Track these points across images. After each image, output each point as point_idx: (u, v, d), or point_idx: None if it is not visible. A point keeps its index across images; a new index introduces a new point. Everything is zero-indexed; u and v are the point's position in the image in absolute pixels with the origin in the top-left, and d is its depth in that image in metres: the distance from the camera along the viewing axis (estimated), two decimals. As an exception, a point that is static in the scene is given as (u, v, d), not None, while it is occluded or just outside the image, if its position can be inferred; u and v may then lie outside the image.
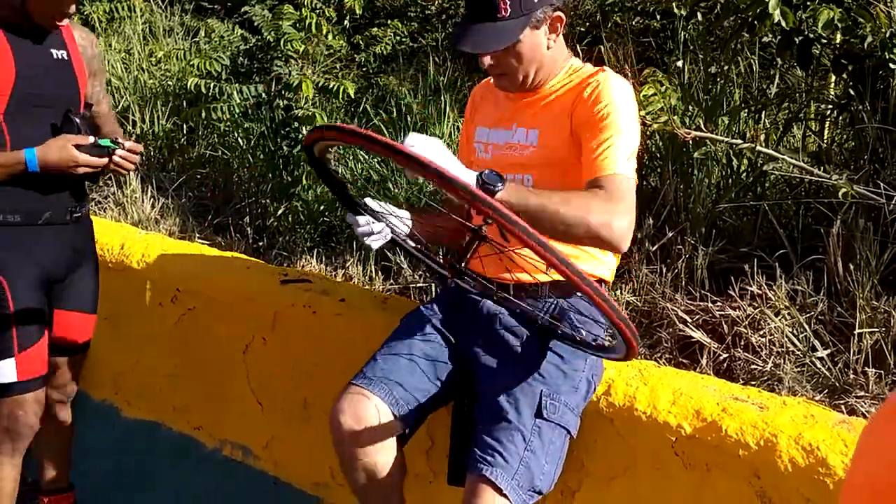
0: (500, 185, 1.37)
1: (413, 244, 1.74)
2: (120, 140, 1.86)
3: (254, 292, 2.25)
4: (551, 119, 1.62)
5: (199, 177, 4.01)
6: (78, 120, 1.82)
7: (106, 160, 1.82)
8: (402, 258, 2.81)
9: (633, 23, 4.71)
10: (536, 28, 1.57)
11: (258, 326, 2.21)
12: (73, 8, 1.80)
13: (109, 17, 5.46)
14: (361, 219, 1.63)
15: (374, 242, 1.66)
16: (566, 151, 1.58)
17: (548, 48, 1.60)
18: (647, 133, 2.85)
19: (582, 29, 4.92)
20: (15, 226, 1.81)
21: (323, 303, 2.10)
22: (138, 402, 2.55)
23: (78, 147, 1.77)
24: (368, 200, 1.67)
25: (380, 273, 2.84)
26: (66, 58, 1.87)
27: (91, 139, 1.80)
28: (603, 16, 4.90)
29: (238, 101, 3.98)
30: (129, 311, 2.52)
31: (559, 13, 1.59)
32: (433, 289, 2.59)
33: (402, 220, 1.72)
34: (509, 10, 1.52)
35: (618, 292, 2.20)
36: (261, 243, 3.46)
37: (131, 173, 2.49)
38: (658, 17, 4.75)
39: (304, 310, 2.12)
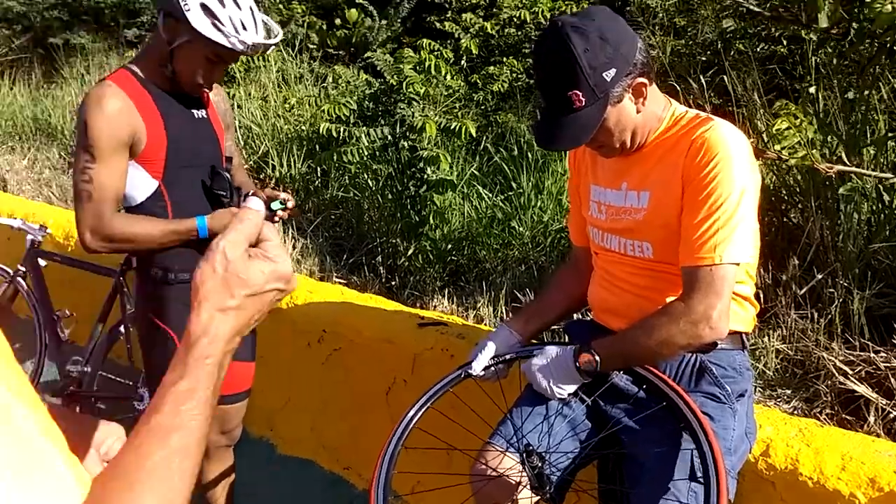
0: (595, 359, 1.52)
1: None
2: (284, 197, 1.99)
3: (394, 335, 2.34)
4: (661, 180, 1.55)
5: (333, 217, 4.22)
6: (227, 175, 1.95)
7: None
8: (533, 299, 2.85)
9: (758, 49, 4.59)
10: (619, 102, 1.51)
11: (399, 368, 2.30)
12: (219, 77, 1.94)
13: (246, 66, 5.86)
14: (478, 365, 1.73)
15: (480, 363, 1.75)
16: (680, 211, 1.52)
17: (638, 112, 1.55)
18: (785, 168, 2.77)
19: (703, 59, 4.84)
20: (183, 283, 1.94)
21: (459, 347, 2.17)
22: (291, 440, 2.69)
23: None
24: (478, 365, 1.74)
25: (510, 314, 2.89)
26: (205, 116, 1.99)
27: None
28: (724, 44, 4.80)
29: (366, 143, 4.17)
30: (280, 351, 2.67)
31: (640, 79, 1.51)
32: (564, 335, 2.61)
33: (509, 343, 1.79)
34: (584, 100, 1.48)
35: (766, 339, 2.12)
36: (393, 282, 3.59)
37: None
38: (784, 42, 4.61)
39: (442, 353, 2.19)
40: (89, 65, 7.02)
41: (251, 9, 1.82)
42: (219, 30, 1.75)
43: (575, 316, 2.14)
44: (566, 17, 1.52)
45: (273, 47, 1.91)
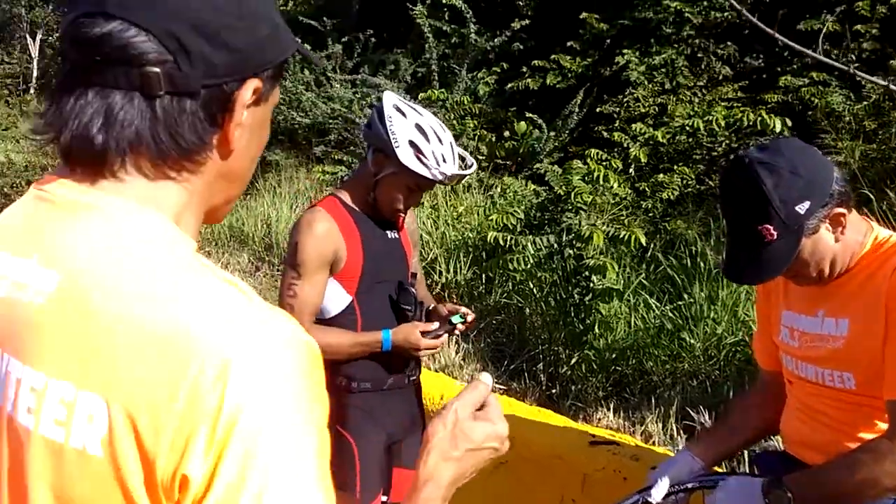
0: (788, 496, 1.40)
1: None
2: (464, 311, 2.06)
3: (564, 451, 2.27)
4: (862, 307, 1.47)
5: (494, 323, 4.26)
6: (413, 290, 2.07)
7: (445, 339, 2.03)
8: (708, 419, 2.66)
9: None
10: (814, 233, 1.45)
11: (568, 486, 2.21)
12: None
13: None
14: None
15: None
16: (883, 341, 1.41)
17: (836, 241, 1.46)
18: None
19: (898, 163, 4.49)
20: (365, 392, 2.04)
21: (633, 469, 2.06)
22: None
23: (423, 333, 1.98)
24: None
25: (682, 433, 2.71)
26: (396, 236, 2.13)
27: (435, 325, 2.01)
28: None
29: (532, 251, 4.22)
30: (446, 459, 2.66)
31: (838, 209, 1.44)
32: (746, 458, 2.40)
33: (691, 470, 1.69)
34: (775, 234, 1.42)
35: None
36: (554, 391, 3.52)
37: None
38: None
39: (615, 475, 2.09)
40: (281, 179, 7.80)
41: (451, 143, 1.97)
42: (423, 163, 1.91)
43: (759, 442, 1.98)
44: (752, 151, 1.50)
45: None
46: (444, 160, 1.92)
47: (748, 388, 1.86)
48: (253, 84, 0.70)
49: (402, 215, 2.10)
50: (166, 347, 0.60)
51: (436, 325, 2.00)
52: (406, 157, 1.90)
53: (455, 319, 2.00)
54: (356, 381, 2.04)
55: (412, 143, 1.90)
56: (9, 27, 25.01)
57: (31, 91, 22.76)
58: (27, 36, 24.29)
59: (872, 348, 1.43)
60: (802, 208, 1.42)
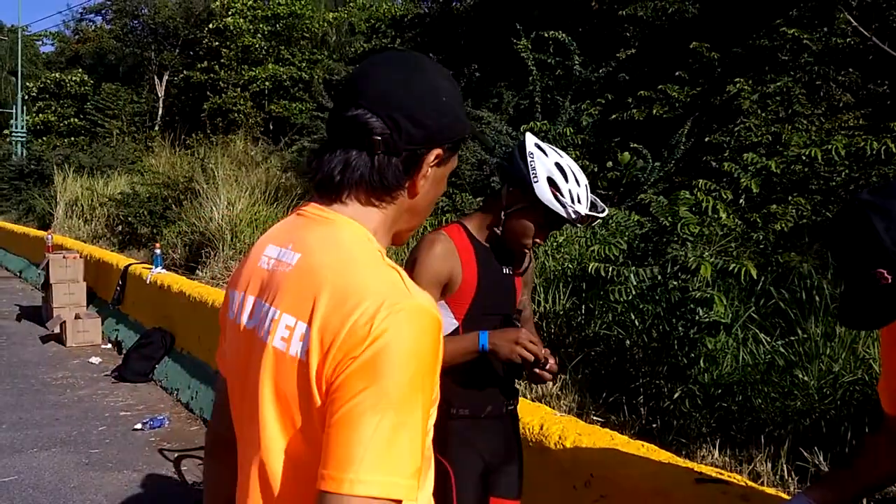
0: None
1: None
2: (551, 362, 2.03)
3: (668, 488, 2.19)
4: None
5: (593, 354, 4.18)
6: (517, 325, 2.07)
7: (541, 353, 2.00)
8: (822, 460, 2.50)
9: None
10: None
11: (673, 524, 2.12)
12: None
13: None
14: None
15: None
16: None
17: None
18: None
19: None
20: (462, 419, 2.04)
21: (743, 509, 1.95)
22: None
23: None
24: None
25: (793, 475, 2.56)
26: (511, 272, 2.15)
27: (543, 349, 1.97)
28: None
29: (634, 283, 4.13)
30: (545, 491, 2.62)
31: None
32: None
33: None
34: (890, 278, 1.36)
35: None
36: (655, 425, 3.41)
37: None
38: None
39: (722, 514, 1.99)
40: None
41: (586, 186, 2.01)
42: (559, 200, 1.94)
43: (882, 489, 1.85)
44: (864, 193, 1.45)
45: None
46: (580, 200, 1.95)
47: (869, 431, 1.73)
48: (436, 151, 1.09)
49: (528, 251, 2.13)
50: (346, 298, 0.97)
51: (543, 350, 1.98)
52: (543, 192, 1.94)
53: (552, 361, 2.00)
54: (455, 407, 2.05)
55: (550, 181, 1.95)
56: (139, 69, 27.20)
57: (157, 128, 24.59)
58: (155, 77, 26.32)
59: None
60: None
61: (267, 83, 20.72)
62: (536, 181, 1.94)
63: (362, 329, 0.94)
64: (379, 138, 1.05)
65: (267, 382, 1.02)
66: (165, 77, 26.15)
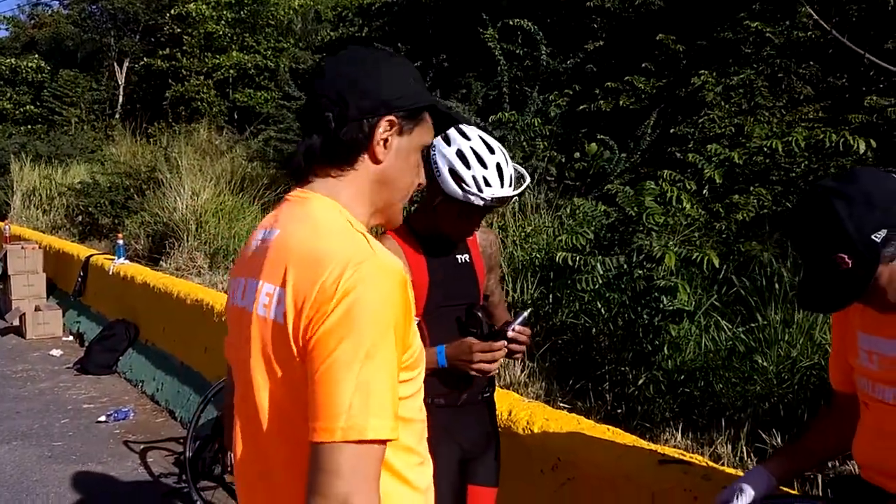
0: None
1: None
2: (514, 324, 2.04)
3: (632, 470, 2.23)
4: None
5: (560, 342, 4.23)
6: (480, 313, 2.07)
7: (499, 358, 2.00)
8: (780, 441, 2.58)
9: None
10: (892, 261, 1.44)
11: (636, 505, 2.18)
12: (479, 226, 2.10)
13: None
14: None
15: None
16: None
17: None
18: None
19: None
20: (440, 408, 2.03)
21: (704, 488, 2.00)
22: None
23: (474, 350, 1.96)
24: None
25: (752, 455, 2.64)
26: (468, 261, 2.13)
27: (488, 344, 1.98)
28: None
29: (600, 272, 4.18)
30: (512, 475, 2.65)
31: None
32: (820, 482, 2.31)
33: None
34: (850, 262, 1.43)
35: None
36: (619, 410, 3.47)
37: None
38: None
39: (685, 494, 2.04)
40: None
41: (498, 165, 1.96)
42: (464, 190, 1.93)
43: (831, 462, 1.92)
44: (827, 180, 1.51)
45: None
46: (488, 184, 1.92)
47: (822, 410, 1.81)
48: (388, 118, 1.16)
49: (469, 237, 2.12)
50: (314, 263, 1.06)
51: (489, 344, 1.96)
52: (447, 185, 1.93)
53: (515, 326, 1.98)
54: (431, 396, 2.05)
55: (452, 171, 1.93)
56: (98, 56, 26.51)
57: (117, 116, 24.00)
58: (115, 64, 25.68)
59: None
60: (878, 236, 1.42)
61: (231, 71, 20.38)
62: (440, 175, 1.93)
63: (330, 288, 1.02)
64: (329, 114, 1.14)
65: (255, 347, 1.12)
66: (126, 64, 25.55)
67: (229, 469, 3.64)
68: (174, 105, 20.35)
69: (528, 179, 2.09)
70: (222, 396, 4.04)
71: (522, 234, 5.71)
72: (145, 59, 24.12)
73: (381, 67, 1.18)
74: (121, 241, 7.18)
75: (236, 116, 19.73)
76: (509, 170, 1.98)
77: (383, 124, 1.16)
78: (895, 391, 1.51)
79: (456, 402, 2.09)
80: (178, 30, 21.66)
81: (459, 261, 2.11)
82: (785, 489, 1.79)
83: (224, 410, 1.37)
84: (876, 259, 1.43)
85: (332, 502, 0.97)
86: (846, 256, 1.44)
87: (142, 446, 4.43)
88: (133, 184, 10.79)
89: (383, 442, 1.01)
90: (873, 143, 4.54)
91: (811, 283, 1.53)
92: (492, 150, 1.96)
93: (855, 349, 1.62)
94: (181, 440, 4.11)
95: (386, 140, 1.17)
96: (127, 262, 6.97)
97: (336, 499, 0.97)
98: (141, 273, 6.38)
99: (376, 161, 1.17)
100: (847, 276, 1.45)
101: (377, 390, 1.00)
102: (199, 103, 20.28)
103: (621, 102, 7.46)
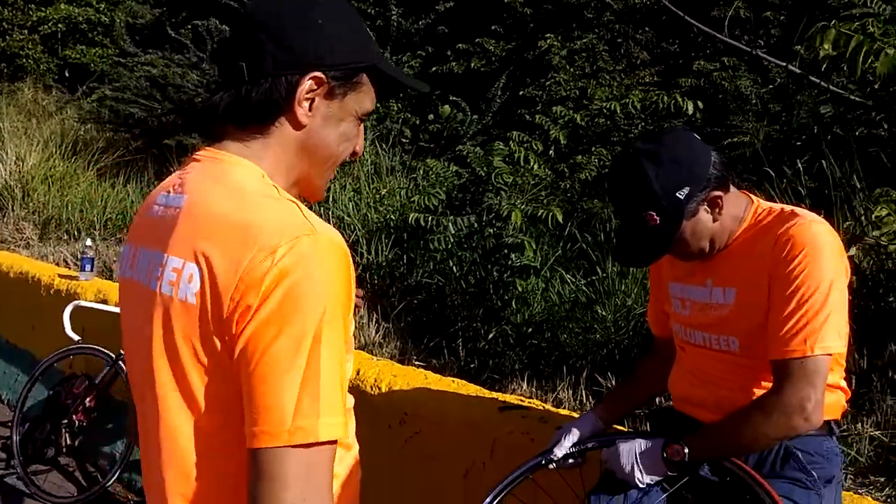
0: (684, 451, 1.52)
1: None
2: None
3: (475, 419, 2.32)
4: (746, 277, 1.56)
5: (415, 302, 4.29)
6: None
7: None
8: (614, 384, 2.77)
9: (856, 134, 4.44)
10: (694, 215, 1.55)
11: (479, 452, 2.26)
12: None
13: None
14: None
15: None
16: (766, 307, 1.51)
17: (714, 220, 1.57)
18: (884, 253, 2.64)
19: (798, 143, 4.72)
20: None
21: (541, 431, 2.12)
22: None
23: None
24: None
25: (591, 398, 2.81)
26: None
27: None
28: (823, 128, 4.68)
29: (452, 231, 4.27)
30: (362, 433, 2.68)
31: (715, 192, 1.54)
32: (646, 423, 2.51)
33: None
34: (658, 219, 1.53)
35: (859, 425, 1.98)
36: (472, 365, 3.58)
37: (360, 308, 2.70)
38: (885, 126, 4.45)
39: (523, 437, 2.14)
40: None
41: None
42: None
43: (654, 401, 2.09)
44: (639, 143, 1.60)
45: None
46: None
47: (646, 356, 1.96)
48: (313, 76, 0.97)
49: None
50: (239, 235, 0.89)
51: None
52: None
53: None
54: None
55: None
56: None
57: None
58: None
59: (755, 315, 1.52)
60: (682, 194, 1.52)
61: (60, 25, 18.65)
62: None
63: (261, 268, 0.86)
64: (243, 64, 0.96)
65: (156, 329, 0.94)
66: None
67: (64, 450, 3.43)
68: (-7, 61, 18.38)
69: None
70: (51, 374, 3.78)
71: (377, 196, 5.70)
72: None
73: (314, 9, 0.98)
74: (-68, 213, 6.44)
75: (67, 74, 18.13)
76: None
77: (307, 83, 0.97)
78: (703, 334, 1.64)
79: None
80: (-5, -23, 19.48)
81: None
82: (619, 427, 1.92)
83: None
84: (680, 215, 1.53)
85: None
86: (654, 214, 1.53)
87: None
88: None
89: (334, 442, 0.88)
90: (700, 105, 4.88)
91: (625, 239, 1.63)
92: None
93: (668, 298, 1.75)
94: (8, 423, 3.80)
95: (312, 102, 0.98)
96: (-59, 235, 6.28)
97: None
98: (-42, 247, 5.77)
99: (298, 126, 0.99)
100: (655, 231, 1.55)
101: (326, 385, 0.87)
102: (23, 60, 18.44)
103: (473, 65, 7.56)
